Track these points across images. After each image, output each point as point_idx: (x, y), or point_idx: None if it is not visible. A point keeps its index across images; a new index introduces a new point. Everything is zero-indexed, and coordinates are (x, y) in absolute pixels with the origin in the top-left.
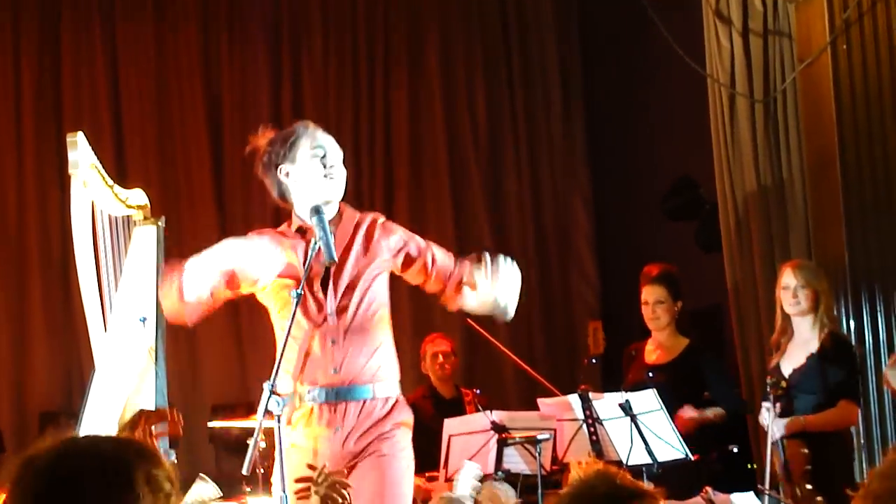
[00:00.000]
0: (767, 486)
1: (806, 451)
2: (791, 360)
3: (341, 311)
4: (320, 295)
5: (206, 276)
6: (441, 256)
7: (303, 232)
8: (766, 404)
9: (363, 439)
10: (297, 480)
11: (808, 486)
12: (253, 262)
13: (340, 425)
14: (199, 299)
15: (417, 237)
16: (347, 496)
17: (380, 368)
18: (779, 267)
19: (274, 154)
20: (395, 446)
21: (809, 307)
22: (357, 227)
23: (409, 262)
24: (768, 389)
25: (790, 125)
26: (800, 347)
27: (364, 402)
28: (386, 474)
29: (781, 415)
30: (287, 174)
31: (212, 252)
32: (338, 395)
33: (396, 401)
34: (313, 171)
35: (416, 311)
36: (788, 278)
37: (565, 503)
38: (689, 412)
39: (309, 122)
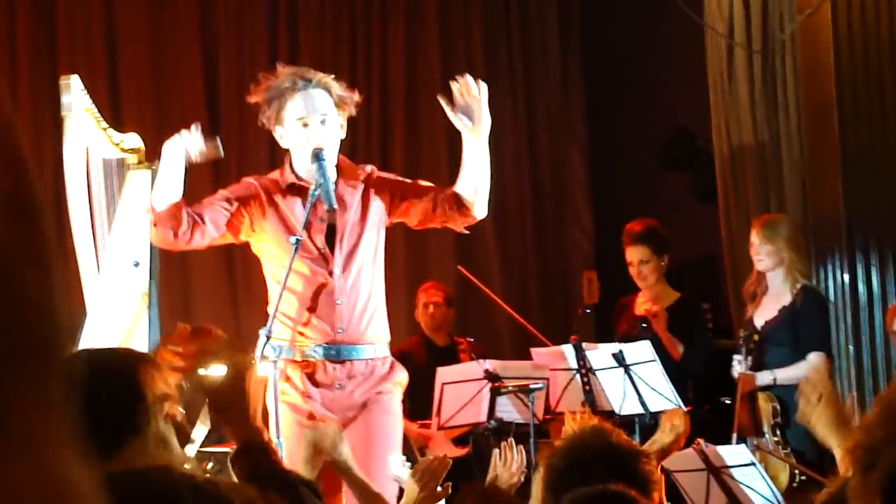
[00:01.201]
0: (735, 439)
1: (774, 404)
2: (764, 313)
3: (346, 269)
4: (326, 250)
5: (162, 178)
6: (427, 186)
7: (296, 189)
8: (737, 357)
9: (367, 393)
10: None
11: (776, 439)
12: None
13: (344, 383)
14: (170, 202)
15: (405, 180)
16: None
17: (379, 328)
18: None
19: (265, 118)
20: (393, 403)
21: (773, 263)
22: (357, 183)
23: (398, 205)
24: (740, 343)
25: (788, 76)
26: (772, 300)
27: (366, 362)
28: (384, 428)
29: (754, 367)
30: (281, 136)
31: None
32: (340, 353)
33: (393, 361)
34: (298, 137)
35: (410, 257)
36: (752, 235)
37: (560, 456)
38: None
39: (299, 74)
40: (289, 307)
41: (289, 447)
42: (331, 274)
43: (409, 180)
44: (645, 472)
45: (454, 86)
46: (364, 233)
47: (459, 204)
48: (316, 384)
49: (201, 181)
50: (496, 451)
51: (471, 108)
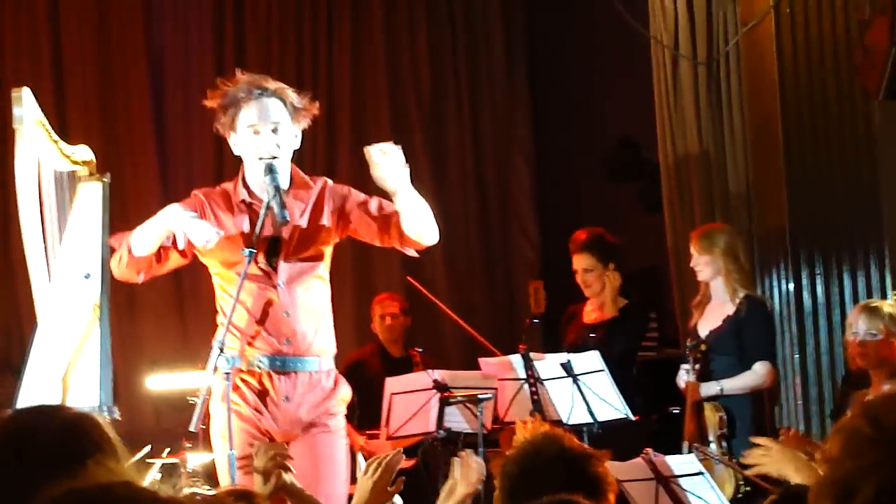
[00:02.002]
0: (686, 448)
1: (721, 414)
2: (708, 322)
3: (291, 282)
4: (266, 267)
5: (154, 234)
6: (378, 211)
7: (246, 203)
8: (684, 366)
9: (313, 411)
10: (240, 458)
11: (722, 450)
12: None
13: (290, 394)
14: (150, 252)
15: (360, 195)
16: (291, 469)
17: (325, 342)
18: None
19: (220, 124)
20: (339, 422)
21: (712, 273)
22: (307, 195)
23: (347, 225)
24: (687, 352)
25: (733, 88)
26: (716, 309)
27: (310, 374)
28: (331, 452)
29: (700, 377)
30: (234, 143)
31: (157, 217)
32: (284, 364)
33: (337, 375)
34: (249, 145)
35: (357, 269)
36: (691, 247)
37: (514, 464)
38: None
39: (256, 83)
40: (237, 318)
41: (239, 458)
42: (275, 287)
43: (363, 198)
44: (598, 474)
45: (368, 150)
46: (311, 245)
47: (403, 239)
48: (264, 396)
49: (148, 190)
50: (456, 459)
51: (387, 169)
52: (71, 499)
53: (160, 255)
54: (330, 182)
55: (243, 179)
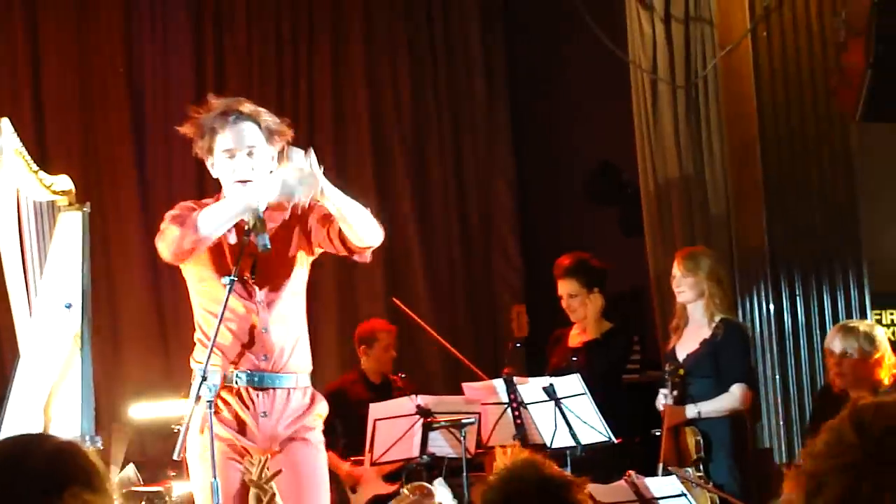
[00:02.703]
0: (660, 472)
1: (698, 438)
2: (685, 346)
3: (271, 300)
4: (250, 282)
5: (229, 214)
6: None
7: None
8: (663, 391)
9: (291, 426)
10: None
11: (699, 474)
12: None
13: (268, 410)
14: (218, 234)
15: (323, 209)
16: (273, 488)
17: (301, 359)
18: None
19: (198, 148)
20: (318, 436)
21: (694, 296)
22: (282, 214)
23: (310, 235)
24: (666, 377)
25: (711, 111)
26: (693, 333)
27: (288, 391)
28: (312, 464)
29: (677, 400)
30: (212, 166)
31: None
32: (262, 380)
33: (314, 392)
34: (225, 169)
35: (340, 291)
36: (674, 268)
37: (494, 493)
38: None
39: (230, 107)
40: (213, 333)
41: (204, 477)
42: (254, 304)
43: (324, 211)
44: (578, 501)
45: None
46: (287, 265)
47: (344, 244)
48: (242, 412)
49: (129, 219)
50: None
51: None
52: None
53: None
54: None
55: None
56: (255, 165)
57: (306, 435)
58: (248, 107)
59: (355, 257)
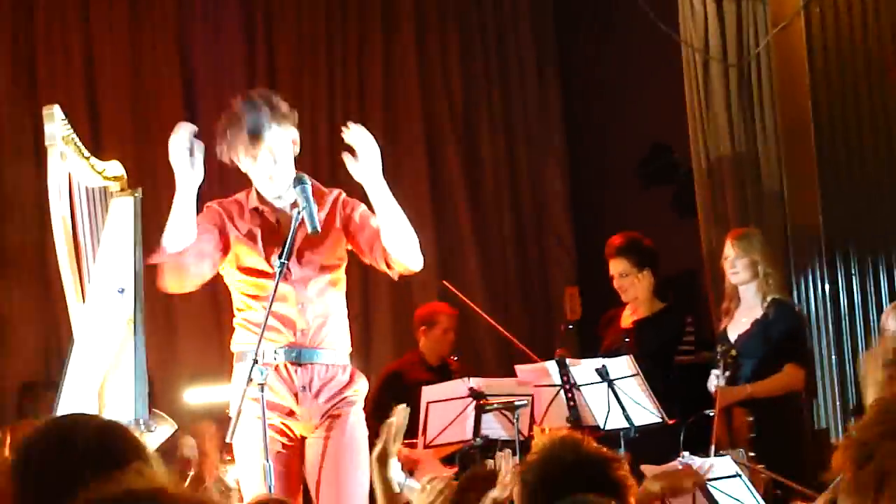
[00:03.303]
0: (713, 454)
1: (750, 418)
2: (737, 327)
3: (307, 278)
4: (285, 260)
5: (176, 212)
6: (370, 232)
7: (259, 212)
8: (715, 371)
9: (331, 401)
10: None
11: (751, 454)
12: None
13: (307, 385)
14: (182, 240)
15: (364, 215)
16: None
17: (339, 336)
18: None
19: (222, 153)
20: (359, 411)
21: (749, 276)
22: (323, 202)
23: (349, 231)
24: (718, 357)
25: (764, 89)
26: (745, 314)
27: (327, 367)
28: (350, 438)
29: (729, 381)
30: (239, 162)
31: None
32: (300, 356)
33: (353, 370)
34: (251, 170)
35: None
36: (728, 249)
37: (533, 472)
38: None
39: (243, 109)
40: (251, 314)
41: (254, 458)
42: (290, 282)
43: (368, 213)
44: (618, 477)
45: (346, 134)
46: (324, 250)
47: (388, 263)
48: (282, 388)
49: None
50: (492, 461)
51: (360, 152)
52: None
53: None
54: (344, 194)
55: (256, 190)
56: (277, 158)
57: (348, 408)
58: (258, 98)
59: (391, 272)
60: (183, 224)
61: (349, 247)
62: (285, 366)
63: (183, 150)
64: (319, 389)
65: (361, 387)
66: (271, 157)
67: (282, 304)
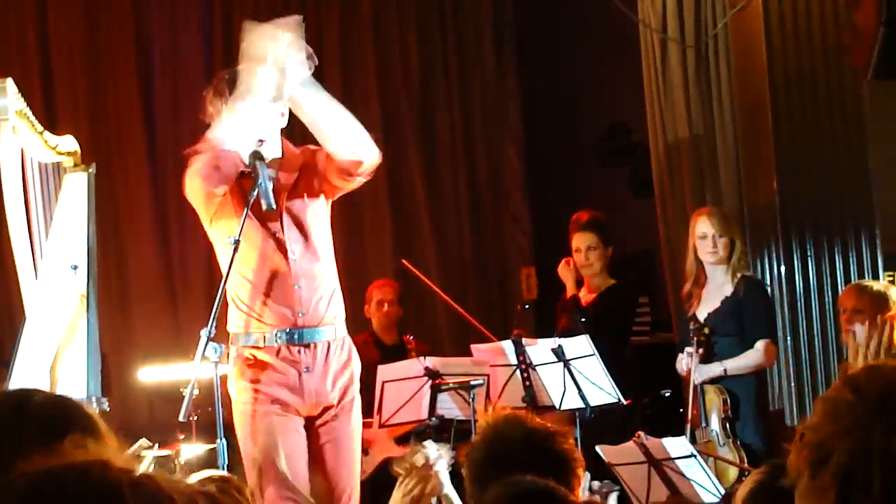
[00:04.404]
0: (688, 433)
1: (725, 396)
2: (706, 305)
3: (304, 255)
4: (280, 236)
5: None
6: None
7: (247, 175)
8: (688, 349)
9: (335, 389)
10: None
11: (725, 433)
12: None
13: (310, 365)
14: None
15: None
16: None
17: (336, 307)
18: (692, 215)
19: (207, 114)
20: (358, 401)
21: (726, 255)
22: (299, 164)
23: (322, 177)
24: (691, 335)
25: (722, 70)
26: (713, 293)
27: (328, 344)
28: (354, 431)
29: (703, 360)
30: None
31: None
32: (303, 336)
33: (350, 345)
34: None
35: (348, 254)
36: (705, 227)
37: (478, 451)
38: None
39: (224, 77)
40: (246, 295)
41: (263, 441)
42: (287, 259)
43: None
44: (564, 450)
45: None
46: (310, 216)
47: (336, 166)
48: (285, 370)
49: (137, 180)
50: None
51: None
52: (47, 477)
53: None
54: (311, 147)
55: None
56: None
57: (350, 401)
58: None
59: (351, 180)
60: (243, 128)
61: (334, 194)
62: (287, 348)
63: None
64: (323, 370)
65: (356, 365)
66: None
67: (279, 283)
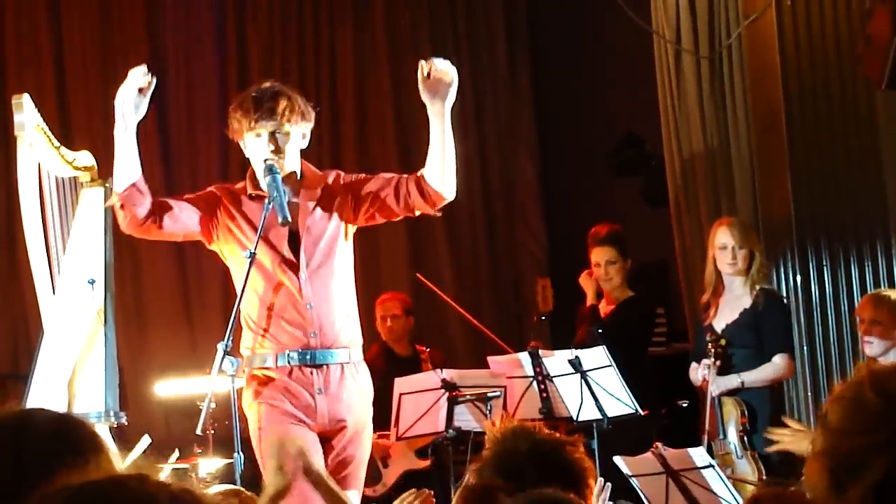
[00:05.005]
0: (705, 444)
1: (743, 409)
2: (724, 316)
3: (313, 274)
4: (290, 256)
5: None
6: (387, 179)
7: (257, 198)
8: (705, 361)
9: (351, 412)
10: None
11: (744, 445)
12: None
13: (323, 387)
14: (130, 174)
15: (366, 178)
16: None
17: (351, 332)
18: (712, 226)
19: (233, 130)
20: (370, 426)
21: (745, 267)
22: (321, 186)
23: (361, 208)
24: (708, 346)
25: (736, 81)
26: (731, 304)
27: (342, 367)
28: (364, 456)
29: (719, 372)
30: (245, 147)
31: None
32: (315, 357)
33: (365, 370)
34: (253, 149)
35: (363, 266)
36: (725, 237)
37: (490, 466)
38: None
39: (259, 90)
40: (259, 315)
41: (273, 453)
42: (298, 279)
43: (369, 177)
44: (574, 460)
45: (424, 63)
46: (328, 238)
47: (422, 189)
48: (297, 390)
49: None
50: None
51: (437, 83)
52: (86, 492)
53: (159, 205)
54: (342, 175)
55: (251, 178)
56: (281, 145)
57: (363, 427)
58: (276, 88)
59: (426, 209)
60: (123, 162)
61: (360, 222)
62: (300, 369)
63: (132, 90)
64: (337, 393)
65: (369, 386)
66: (274, 144)
67: (291, 304)
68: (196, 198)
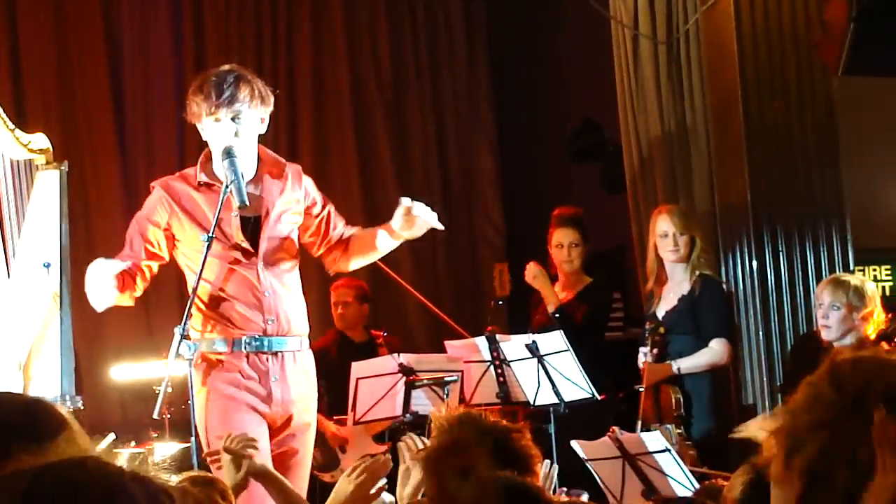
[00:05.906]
0: (639, 429)
1: (678, 395)
2: (665, 303)
3: (271, 263)
4: (246, 244)
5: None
6: (339, 223)
7: (208, 186)
8: (642, 349)
9: (300, 401)
10: (208, 455)
11: (679, 431)
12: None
13: (278, 375)
14: (108, 300)
15: (329, 206)
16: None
17: (303, 322)
18: (652, 213)
19: (191, 113)
20: (313, 425)
21: (686, 253)
22: (280, 175)
23: (309, 220)
24: (646, 335)
25: (693, 67)
26: (672, 290)
27: (294, 354)
28: (310, 445)
29: (657, 358)
30: (202, 130)
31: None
32: (271, 344)
33: (311, 357)
34: (213, 135)
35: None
36: (665, 225)
37: (434, 458)
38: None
39: (217, 72)
40: (215, 301)
41: (219, 424)
42: (254, 267)
43: (329, 209)
44: (521, 447)
45: (407, 202)
46: (287, 227)
47: (337, 257)
48: (252, 377)
49: (108, 177)
50: (402, 444)
51: (413, 222)
52: (47, 474)
53: (138, 273)
54: (304, 176)
55: (203, 163)
56: (241, 130)
57: (310, 416)
58: (238, 71)
59: (330, 269)
60: (102, 289)
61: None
62: (256, 355)
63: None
64: (288, 382)
65: (314, 377)
66: (234, 127)
67: (248, 289)
68: (145, 231)
